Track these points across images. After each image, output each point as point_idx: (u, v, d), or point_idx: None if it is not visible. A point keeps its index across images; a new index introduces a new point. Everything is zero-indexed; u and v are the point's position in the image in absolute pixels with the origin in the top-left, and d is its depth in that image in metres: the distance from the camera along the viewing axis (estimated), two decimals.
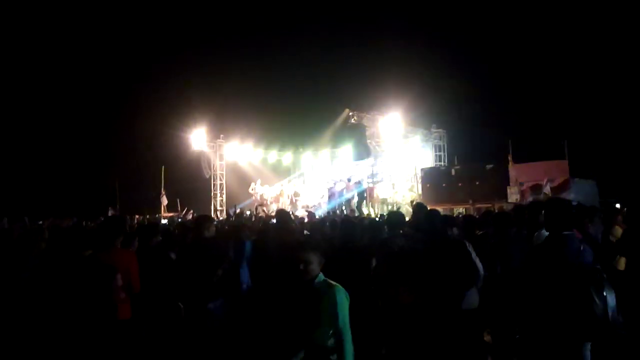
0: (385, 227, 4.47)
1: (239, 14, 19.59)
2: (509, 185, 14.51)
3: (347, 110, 16.96)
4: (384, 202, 16.96)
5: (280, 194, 18.79)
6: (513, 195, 14.21)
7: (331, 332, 2.57)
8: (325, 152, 21.23)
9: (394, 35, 18.50)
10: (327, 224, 5.89)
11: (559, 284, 3.04)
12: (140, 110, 19.65)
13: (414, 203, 14.58)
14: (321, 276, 2.72)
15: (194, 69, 20.15)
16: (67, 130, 18.57)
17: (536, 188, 14.19)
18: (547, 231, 3.39)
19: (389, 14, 18.86)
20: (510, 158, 14.84)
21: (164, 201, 18.04)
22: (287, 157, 22.22)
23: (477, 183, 14.19)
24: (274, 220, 7.71)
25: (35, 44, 17.83)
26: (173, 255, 4.48)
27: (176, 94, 19.57)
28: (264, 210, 15.55)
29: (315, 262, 2.70)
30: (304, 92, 20.33)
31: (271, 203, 18.40)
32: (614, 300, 4.29)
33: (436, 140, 18.03)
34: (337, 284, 2.70)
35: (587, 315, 2.93)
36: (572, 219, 3.26)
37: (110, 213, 15.84)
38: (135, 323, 3.66)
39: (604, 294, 3.19)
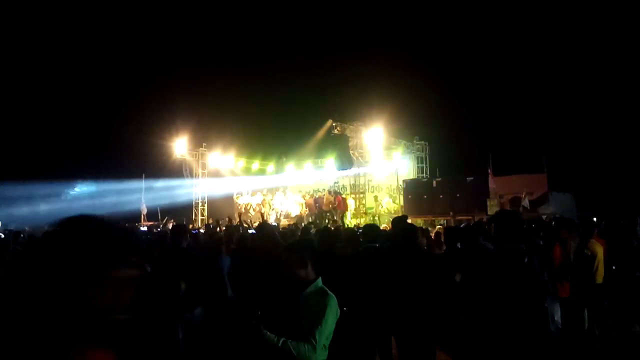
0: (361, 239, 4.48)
1: (223, 25, 19.60)
2: (488, 197, 14.69)
3: (330, 120, 16.99)
4: (366, 213, 17.01)
5: (262, 204, 18.68)
6: (493, 208, 14.36)
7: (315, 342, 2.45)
8: (308, 162, 21.22)
9: (377, 47, 18.74)
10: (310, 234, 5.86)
11: (502, 294, 3.09)
12: (122, 116, 19.43)
13: (393, 216, 14.72)
14: (319, 282, 2.64)
15: (178, 77, 20.05)
16: (49, 135, 18.22)
17: (515, 201, 14.42)
18: (493, 244, 3.46)
19: (372, 27, 19.10)
20: (490, 171, 15.04)
21: (144, 210, 17.76)
22: (270, 166, 22.15)
23: (458, 195, 14.34)
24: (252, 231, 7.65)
25: (26, 52, 17.55)
26: (148, 268, 4.38)
27: (159, 101, 19.41)
28: (245, 221, 15.44)
29: (309, 266, 2.62)
30: (287, 102, 20.41)
31: (254, 213, 18.27)
32: (558, 311, 4.40)
33: (418, 152, 18.21)
34: (332, 294, 2.61)
35: (527, 325, 3.00)
36: (519, 231, 3.35)
37: None
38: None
39: (546, 305, 3.29)
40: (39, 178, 17.52)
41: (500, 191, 15.13)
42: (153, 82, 19.95)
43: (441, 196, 14.37)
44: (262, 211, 18.33)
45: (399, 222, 4.82)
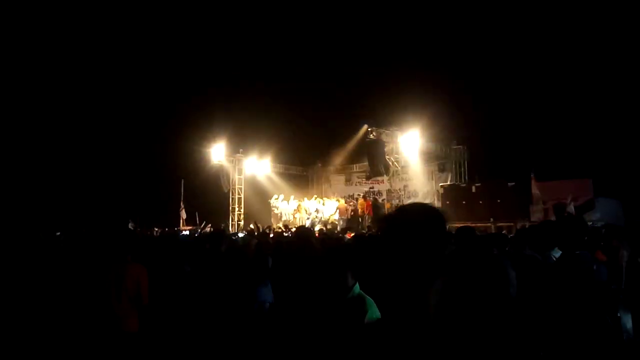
0: None
1: (259, 32, 19.87)
2: (531, 203, 14.23)
3: (365, 125, 16.90)
4: None
5: (298, 209, 18.75)
6: (536, 214, 13.92)
7: None
8: (343, 167, 21.18)
9: (413, 50, 18.50)
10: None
11: (570, 304, 2.93)
12: (161, 124, 19.95)
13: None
14: (357, 288, 2.59)
15: (215, 84, 20.42)
16: (90, 143, 18.91)
17: (560, 207, 13.89)
18: (560, 250, 3.30)
19: (409, 30, 18.87)
20: (533, 176, 14.57)
21: (183, 215, 18.16)
22: (305, 172, 22.23)
23: (499, 201, 13.94)
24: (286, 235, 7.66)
25: (65, 58, 18.31)
26: (188, 268, 4.45)
27: (197, 109, 19.83)
28: (278, 227, 15.53)
29: (349, 272, 2.57)
30: (323, 107, 20.40)
31: (290, 218, 18.38)
32: (630, 321, 4.13)
33: (456, 157, 17.83)
34: (370, 299, 2.55)
35: (598, 336, 2.84)
36: (585, 238, 3.19)
37: (130, 226, 16.00)
38: (142, 336, 3.63)
39: (618, 314, 3.09)
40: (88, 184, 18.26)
41: (544, 197, 14.63)
42: (192, 91, 20.43)
43: (481, 202, 14.00)
44: (297, 216, 18.43)
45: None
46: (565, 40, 17.32)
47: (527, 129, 17.13)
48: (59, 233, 8.76)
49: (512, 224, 13.06)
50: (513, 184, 14.54)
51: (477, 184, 14.80)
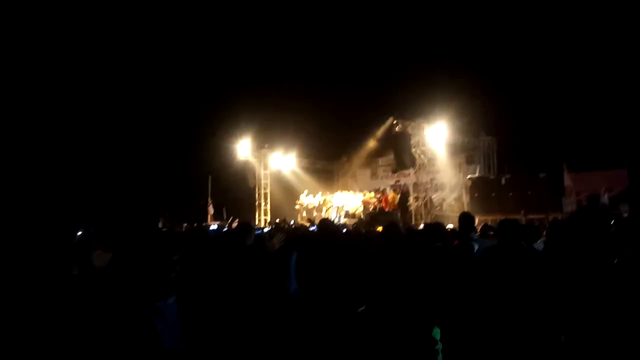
0: None
1: (285, 27, 19.86)
2: (564, 195, 13.83)
3: (391, 118, 16.71)
4: (429, 212, 16.58)
5: (324, 204, 18.75)
6: (569, 206, 13.53)
7: None
8: (369, 161, 21.03)
9: (439, 41, 18.15)
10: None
11: (592, 296, 2.92)
12: (189, 121, 20.24)
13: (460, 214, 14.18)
14: None
15: (240, 79, 20.57)
16: (118, 141, 19.34)
17: (594, 198, 13.44)
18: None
19: (433, 21, 18.53)
20: (565, 166, 14.15)
21: (211, 210, 18.43)
22: (330, 166, 22.19)
23: (529, 193, 13.58)
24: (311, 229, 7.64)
25: (97, 54, 18.74)
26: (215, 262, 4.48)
27: (223, 105, 20.01)
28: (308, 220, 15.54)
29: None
30: (348, 101, 20.26)
31: (315, 212, 18.40)
32: None
33: (485, 148, 17.45)
34: None
35: (626, 329, 2.81)
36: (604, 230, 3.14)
37: (160, 222, 16.32)
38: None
39: None
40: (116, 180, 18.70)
41: (577, 188, 14.20)
42: (218, 88, 20.64)
43: (511, 194, 13.67)
44: (323, 210, 18.42)
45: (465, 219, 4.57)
46: (597, 24, 16.68)
47: (559, 118, 16.62)
48: (93, 230, 8.95)
49: (543, 216, 12.73)
50: (544, 175, 14.16)
51: (506, 176, 14.46)
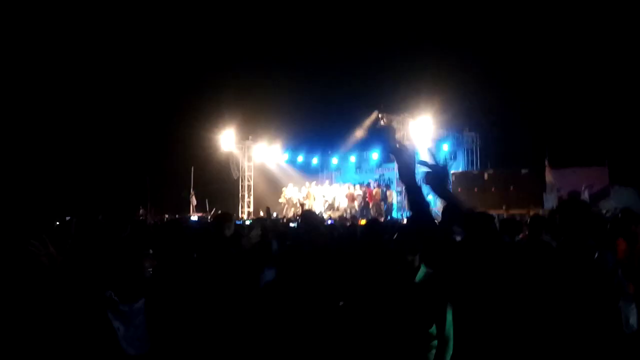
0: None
1: (266, 16, 19.61)
2: (545, 191, 14.01)
3: (376, 111, 16.69)
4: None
5: (307, 196, 18.68)
6: (550, 202, 13.69)
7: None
8: (353, 154, 21.00)
9: (425, 35, 18.13)
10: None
11: (570, 294, 2.85)
12: (171, 110, 19.91)
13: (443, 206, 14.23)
14: (424, 268, 2.50)
15: (224, 69, 20.27)
16: (100, 129, 18.95)
17: (574, 194, 13.62)
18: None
19: (419, 14, 18.48)
20: (547, 163, 14.31)
21: (193, 201, 18.23)
22: (315, 158, 22.11)
23: (512, 188, 13.75)
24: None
25: (74, 46, 18.29)
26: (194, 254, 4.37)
27: (206, 95, 19.74)
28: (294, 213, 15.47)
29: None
30: (332, 94, 20.16)
31: (298, 205, 18.32)
32: (634, 312, 3.99)
33: (468, 144, 17.56)
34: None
35: (599, 328, 2.77)
36: (587, 225, 3.06)
37: (141, 212, 16.09)
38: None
39: (619, 305, 3.02)
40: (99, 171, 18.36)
41: (558, 184, 14.37)
42: (200, 77, 20.31)
43: (493, 189, 13.82)
44: (305, 203, 18.35)
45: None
46: (580, 21, 16.84)
47: (541, 114, 16.76)
48: (69, 218, 8.73)
49: (525, 212, 12.86)
50: (526, 171, 14.32)
51: (489, 171, 14.60)
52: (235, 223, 4.58)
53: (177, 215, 16.02)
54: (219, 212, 15.44)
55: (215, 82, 19.61)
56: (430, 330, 2.34)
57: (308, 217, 4.74)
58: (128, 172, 19.02)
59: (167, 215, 15.67)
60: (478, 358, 2.97)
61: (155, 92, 19.89)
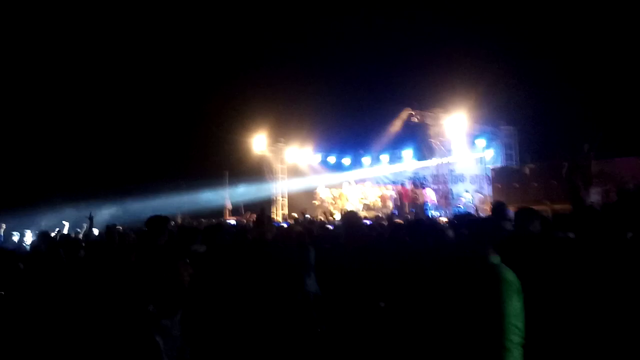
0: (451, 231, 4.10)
1: (296, 18, 19.58)
2: (590, 184, 13.39)
3: (407, 109, 16.39)
4: (448, 204, 16.24)
5: (339, 197, 18.54)
6: (595, 195, 13.10)
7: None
8: (386, 153, 20.74)
9: (457, 29, 17.66)
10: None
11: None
12: (204, 116, 20.16)
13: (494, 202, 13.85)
14: (495, 259, 2.41)
15: (254, 73, 20.39)
16: (137, 136, 19.38)
17: (622, 186, 13.01)
18: None
19: (451, 8, 18.00)
20: (591, 154, 13.68)
21: (228, 205, 18.40)
22: (347, 159, 21.97)
23: (555, 182, 13.16)
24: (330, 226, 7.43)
25: (110, 50, 18.73)
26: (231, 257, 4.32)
27: (238, 100, 19.89)
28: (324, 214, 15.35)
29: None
30: (363, 93, 19.94)
31: (332, 206, 18.21)
32: None
33: (506, 138, 17.02)
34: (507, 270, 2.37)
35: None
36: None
37: (178, 218, 16.33)
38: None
39: None
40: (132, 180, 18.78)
41: (603, 176, 13.73)
42: (232, 82, 20.47)
43: (535, 184, 13.27)
44: (339, 204, 18.21)
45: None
46: (619, 6, 16.02)
47: (584, 104, 16.03)
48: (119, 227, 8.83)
49: (569, 205, 12.33)
50: (569, 164, 13.71)
51: (530, 165, 14.05)
52: (275, 225, 4.52)
53: (213, 220, 16.18)
54: (254, 215, 15.53)
55: (247, 86, 19.75)
56: (516, 323, 2.21)
57: (350, 219, 4.62)
58: (163, 178, 19.38)
59: (203, 220, 15.82)
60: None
61: (188, 99, 20.21)
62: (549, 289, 2.81)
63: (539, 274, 2.80)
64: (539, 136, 16.99)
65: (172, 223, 14.31)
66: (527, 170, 13.71)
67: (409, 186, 16.87)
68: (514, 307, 2.21)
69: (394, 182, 19.00)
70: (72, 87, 18.40)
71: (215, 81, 20.60)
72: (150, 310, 2.77)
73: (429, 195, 16.61)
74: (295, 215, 14.08)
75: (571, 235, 4.54)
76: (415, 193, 16.57)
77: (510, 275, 2.30)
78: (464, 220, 4.05)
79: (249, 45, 20.27)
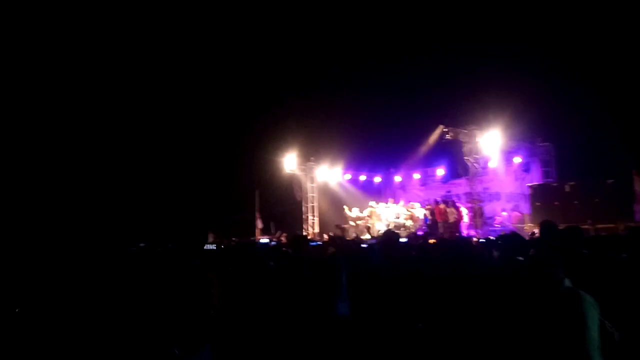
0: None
1: (328, 39, 19.73)
2: (634, 202, 12.81)
3: (441, 126, 16.12)
4: (485, 223, 15.78)
5: (370, 215, 18.28)
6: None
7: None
8: (418, 171, 20.43)
9: (491, 42, 17.35)
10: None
11: None
12: (234, 136, 20.39)
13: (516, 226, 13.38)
14: (567, 282, 2.30)
15: (284, 93, 20.56)
16: (166, 155, 19.69)
17: None
18: None
19: (485, 21, 17.75)
20: (635, 171, 13.11)
21: (259, 224, 18.41)
22: (378, 177, 21.77)
23: (597, 200, 12.62)
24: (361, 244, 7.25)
25: (145, 70, 19.23)
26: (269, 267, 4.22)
27: (268, 120, 20.05)
28: (356, 233, 15.15)
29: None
30: (395, 111, 19.76)
31: (363, 225, 17.97)
32: None
33: (543, 155, 16.50)
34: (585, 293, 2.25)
35: None
36: None
37: (210, 238, 16.42)
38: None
39: None
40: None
41: None
42: (263, 103, 20.71)
43: (576, 202, 12.74)
44: (369, 223, 17.94)
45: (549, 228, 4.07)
46: None
47: (624, 118, 15.40)
48: (142, 244, 8.93)
49: (614, 225, 11.76)
50: (612, 181, 13.16)
51: (571, 183, 13.52)
52: (310, 244, 4.40)
53: (243, 239, 16.19)
54: (284, 234, 15.45)
55: (277, 105, 19.93)
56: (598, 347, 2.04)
57: (388, 238, 4.45)
58: (194, 198, 19.59)
59: (234, 239, 15.86)
60: None
61: (219, 119, 20.49)
62: (620, 310, 2.60)
63: (608, 296, 2.58)
64: (577, 153, 16.39)
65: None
66: (567, 188, 13.19)
67: (442, 205, 16.50)
68: (597, 331, 2.07)
69: (426, 201, 18.63)
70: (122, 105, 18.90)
71: (246, 102, 20.87)
72: (176, 354, 2.54)
73: (463, 214, 16.19)
74: (331, 233, 13.91)
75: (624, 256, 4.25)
76: (448, 212, 16.20)
77: (590, 299, 2.16)
78: (511, 241, 3.83)
79: (279, 66, 20.52)
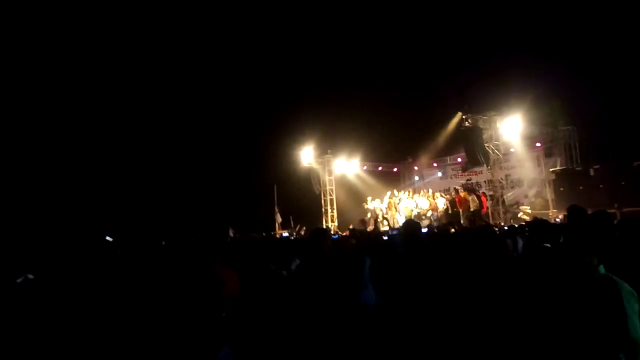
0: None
1: (344, 29, 19.53)
2: None
3: (459, 113, 15.83)
4: (508, 209, 15.52)
5: (389, 207, 18.15)
6: None
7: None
8: (436, 160, 20.18)
9: (509, 28, 16.96)
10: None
11: None
12: (252, 131, 20.45)
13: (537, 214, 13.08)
14: (602, 269, 2.23)
15: (301, 87, 20.47)
16: (186, 154, 19.88)
17: None
18: None
19: (503, 6, 17.32)
20: None
21: (278, 219, 18.46)
22: (396, 168, 21.57)
23: (623, 183, 12.25)
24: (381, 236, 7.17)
25: (164, 67, 19.42)
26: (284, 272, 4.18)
27: (285, 114, 20.02)
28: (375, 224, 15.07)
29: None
30: (412, 98, 19.50)
31: (382, 216, 17.85)
32: None
33: (565, 139, 16.10)
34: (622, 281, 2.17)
35: None
36: None
37: (230, 232, 16.54)
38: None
39: None
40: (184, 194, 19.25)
41: None
42: (281, 97, 20.68)
43: (601, 186, 12.40)
44: (389, 214, 17.81)
45: (578, 212, 3.94)
46: None
47: None
48: (164, 242, 9.00)
49: None
50: (638, 163, 12.76)
51: (595, 167, 13.15)
52: (331, 238, 4.35)
53: (264, 233, 16.25)
54: (304, 228, 15.44)
55: (293, 99, 19.87)
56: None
57: (409, 227, 4.38)
58: (214, 195, 19.73)
59: (254, 234, 15.91)
60: None
61: (236, 113, 20.55)
62: None
63: None
64: (601, 135, 15.94)
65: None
66: (592, 172, 12.85)
67: (462, 193, 16.27)
68: (638, 321, 1.98)
69: (446, 190, 18.42)
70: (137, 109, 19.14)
71: (263, 96, 20.87)
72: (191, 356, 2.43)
73: (484, 202, 15.94)
74: (351, 226, 13.86)
75: None
76: (470, 200, 15.97)
77: (628, 287, 2.06)
78: (538, 228, 3.72)
79: (296, 59, 20.43)
